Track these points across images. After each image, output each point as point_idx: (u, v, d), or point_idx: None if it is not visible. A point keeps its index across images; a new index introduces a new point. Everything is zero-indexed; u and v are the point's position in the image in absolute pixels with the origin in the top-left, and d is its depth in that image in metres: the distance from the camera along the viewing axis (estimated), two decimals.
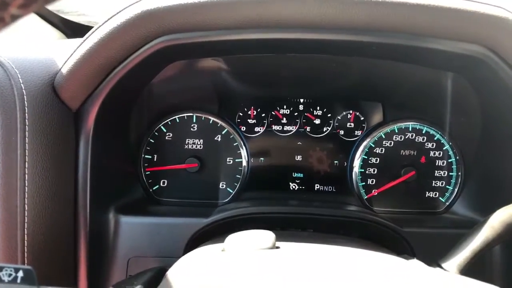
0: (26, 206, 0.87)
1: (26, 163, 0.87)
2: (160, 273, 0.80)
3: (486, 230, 0.82)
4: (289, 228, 1.16)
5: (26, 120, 0.87)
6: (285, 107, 1.37)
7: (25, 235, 0.88)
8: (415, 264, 0.82)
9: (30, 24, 1.58)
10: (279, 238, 0.83)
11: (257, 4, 0.83)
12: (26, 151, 0.87)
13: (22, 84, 0.88)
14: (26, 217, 0.87)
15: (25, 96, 0.87)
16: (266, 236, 0.77)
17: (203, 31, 0.88)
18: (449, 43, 0.90)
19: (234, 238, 0.78)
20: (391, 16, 0.84)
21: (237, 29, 0.87)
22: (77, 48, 0.91)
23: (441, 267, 0.82)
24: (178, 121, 1.33)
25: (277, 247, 0.78)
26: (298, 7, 0.84)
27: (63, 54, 0.96)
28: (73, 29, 1.68)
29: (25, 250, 0.88)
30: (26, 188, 0.87)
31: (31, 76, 0.91)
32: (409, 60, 1.06)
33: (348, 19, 0.84)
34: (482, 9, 0.85)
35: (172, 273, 0.72)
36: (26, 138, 0.87)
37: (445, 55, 0.94)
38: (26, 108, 0.87)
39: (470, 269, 0.80)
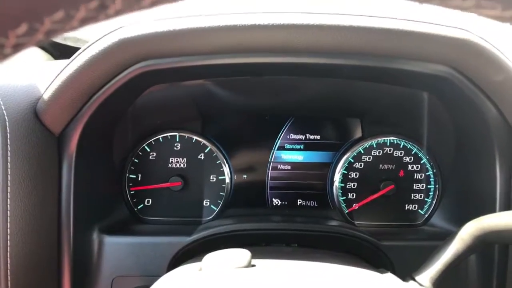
0: (8, 230, 0.89)
1: (9, 187, 0.89)
2: None
3: (456, 242, 0.85)
4: (272, 244, 1.18)
5: (8, 146, 0.89)
6: (265, 124, 1.40)
7: (8, 259, 0.89)
8: (389, 278, 0.85)
9: None
10: (259, 255, 0.85)
11: (230, 31, 0.87)
12: (9, 176, 0.89)
13: (4, 111, 0.91)
14: (8, 241, 0.89)
15: (7, 122, 0.90)
16: (242, 254, 0.80)
17: (180, 56, 0.91)
18: (416, 63, 0.94)
19: (211, 257, 0.80)
20: (358, 40, 0.88)
21: (213, 54, 0.91)
22: (58, 74, 0.94)
23: (415, 280, 0.84)
24: (161, 140, 1.35)
25: (253, 265, 0.80)
26: (271, 34, 0.88)
27: (46, 79, 0.99)
28: (61, 51, 1.71)
29: (8, 274, 0.90)
30: (9, 212, 0.89)
31: (13, 102, 0.94)
32: (379, 80, 1.10)
33: (317, 43, 0.88)
34: (446, 32, 0.90)
35: None
36: (9, 163, 0.89)
37: (413, 75, 0.98)
38: (8, 133, 0.90)
39: (444, 281, 0.82)
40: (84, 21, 0.30)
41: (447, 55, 0.92)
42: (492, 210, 1.03)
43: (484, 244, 0.84)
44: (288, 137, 1.40)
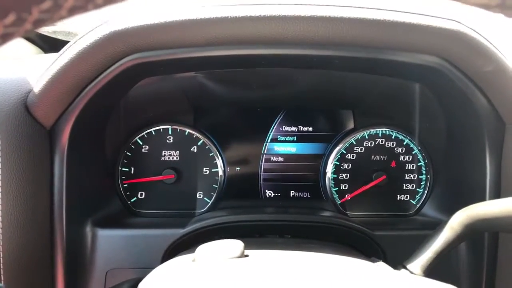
0: (0, 223, 0.88)
1: (0, 181, 0.88)
2: (137, 284, 0.82)
3: (446, 231, 0.86)
4: (266, 235, 1.19)
5: None
6: (258, 116, 1.40)
7: (1, 252, 0.89)
8: (379, 267, 0.86)
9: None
10: (252, 246, 0.86)
11: (221, 23, 0.86)
12: (0, 170, 0.88)
13: None
14: (1, 235, 0.89)
15: None
16: (235, 245, 0.80)
17: (170, 49, 0.91)
18: (407, 55, 0.95)
19: (204, 248, 0.81)
20: (350, 32, 0.89)
21: (204, 46, 0.91)
22: (49, 67, 0.93)
23: (406, 269, 0.85)
24: (154, 133, 1.35)
25: (246, 256, 0.81)
26: (262, 26, 0.87)
27: (36, 72, 0.98)
28: (51, 44, 1.69)
29: (1, 267, 0.90)
30: (0, 206, 0.88)
31: (3, 96, 0.93)
32: (371, 71, 1.10)
33: (308, 35, 0.88)
34: (437, 23, 0.90)
35: (143, 286, 0.75)
36: None
37: (404, 66, 0.98)
38: None
39: (436, 270, 0.83)
40: (72, 10, 0.30)
41: (438, 46, 0.92)
42: (482, 199, 1.04)
43: (473, 232, 0.85)
44: (280, 129, 1.41)
